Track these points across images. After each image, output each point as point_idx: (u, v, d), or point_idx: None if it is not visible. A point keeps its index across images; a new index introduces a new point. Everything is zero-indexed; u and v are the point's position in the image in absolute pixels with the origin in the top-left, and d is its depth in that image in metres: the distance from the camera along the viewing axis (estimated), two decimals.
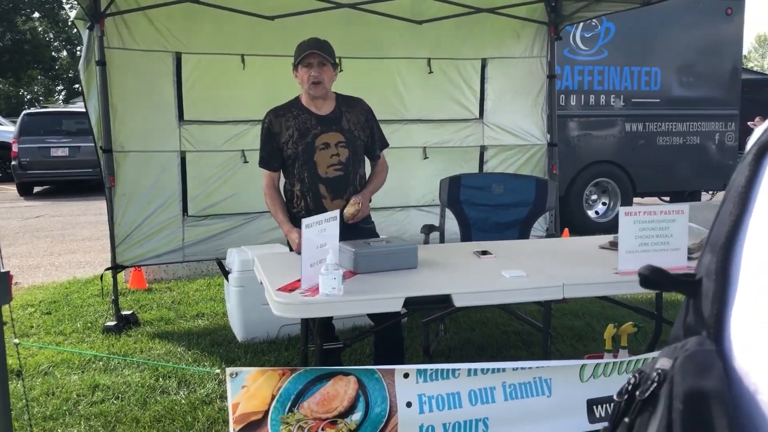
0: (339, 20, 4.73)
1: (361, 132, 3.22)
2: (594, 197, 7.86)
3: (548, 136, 5.37)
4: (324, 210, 3.01)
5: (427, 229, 3.84)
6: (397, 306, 2.29)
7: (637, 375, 0.61)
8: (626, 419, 0.60)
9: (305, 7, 4.66)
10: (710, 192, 8.82)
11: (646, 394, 0.57)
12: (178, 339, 4.11)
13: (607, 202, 7.88)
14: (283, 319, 3.70)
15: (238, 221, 4.85)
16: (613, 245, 2.92)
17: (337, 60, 3.20)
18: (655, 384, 0.57)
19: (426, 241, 3.77)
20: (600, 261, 2.76)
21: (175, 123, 4.69)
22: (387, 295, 2.29)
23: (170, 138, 4.67)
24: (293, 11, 4.68)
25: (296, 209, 3.11)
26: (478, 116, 5.34)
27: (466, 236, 4.01)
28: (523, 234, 3.99)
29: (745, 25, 7.88)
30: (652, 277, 0.64)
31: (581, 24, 7.11)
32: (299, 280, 2.35)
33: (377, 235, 3.26)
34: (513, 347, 3.90)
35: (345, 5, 4.74)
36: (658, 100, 7.65)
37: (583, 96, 7.38)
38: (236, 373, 1.89)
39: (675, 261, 2.63)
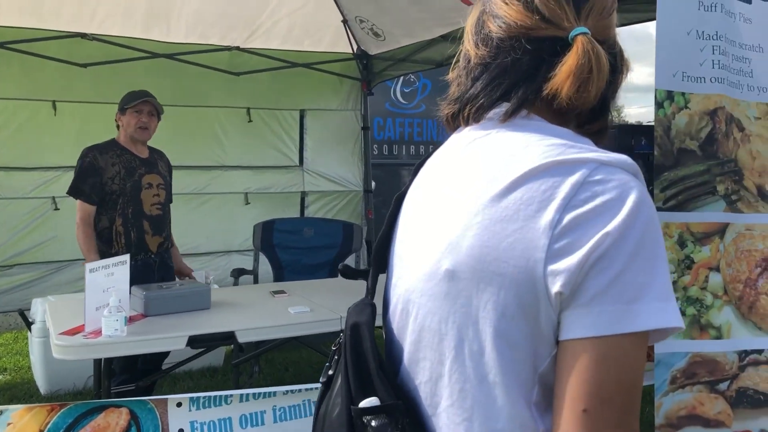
0: (155, 69, 4.82)
1: (169, 179, 3.42)
2: None
3: (364, 183, 5.74)
4: (145, 246, 3.21)
5: (237, 272, 3.99)
6: (181, 344, 2.41)
7: (342, 331, 0.94)
8: (336, 357, 0.94)
9: (120, 56, 4.71)
10: None
11: (339, 343, 0.93)
12: None
13: None
14: (90, 369, 3.64)
15: (47, 270, 4.69)
16: None
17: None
18: (341, 335, 0.92)
19: (236, 284, 3.91)
20: (381, 294, 3.04)
21: None
22: (170, 335, 2.41)
23: None
24: (107, 60, 4.71)
25: (115, 249, 3.16)
26: (298, 163, 5.60)
27: (278, 278, 4.20)
28: (333, 274, 4.25)
29: None
30: (346, 271, 1.07)
31: (401, 80, 7.68)
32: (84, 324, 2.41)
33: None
34: None
35: (161, 55, 4.85)
36: None
37: (404, 146, 7.91)
38: (1, 412, 1.91)
39: None
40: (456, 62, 0.92)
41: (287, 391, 2.26)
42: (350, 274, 1.07)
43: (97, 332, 2.36)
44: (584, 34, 0.78)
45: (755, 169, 1.84)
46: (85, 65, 4.67)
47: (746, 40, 1.75)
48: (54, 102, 4.71)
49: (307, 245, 4.27)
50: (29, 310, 4.19)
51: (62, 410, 1.95)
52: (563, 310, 0.69)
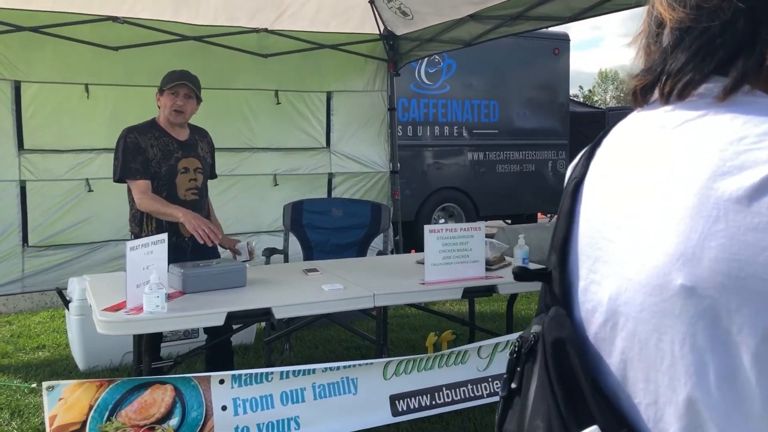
0: (184, 52, 4.87)
1: (209, 159, 3.43)
2: (442, 221, 8.39)
3: (390, 164, 5.76)
4: (178, 230, 3.15)
5: (269, 252, 4.04)
6: (219, 320, 2.47)
7: (519, 339, 0.86)
8: (518, 369, 0.84)
9: (150, 38, 4.77)
10: (548, 215, 9.66)
11: (528, 349, 0.83)
12: (14, 372, 4.01)
13: None
14: (126, 346, 3.76)
15: (82, 251, 4.80)
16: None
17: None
18: (533, 341, 0.82)
19: (267, 263, 3.97)
20: (413, 274, 3.08)
21: (13, 152, 4.61)
22: (210, 311, 2.47)
23: (8, 167, 4.58)
24: (137, 42, 4.77)
25: (146, 232, 3.18)
26: (325, 145, 5.64)
27: (308, 257, 4.25)
28: (361, 253, 4.29)
29: (571, 63, 8.81)
30: (521, 273, 0.95)
31: (425, 61, 7.66)
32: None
33: (218, 256, 3.44)
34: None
35: (190, 38, 4.90)
36: (497, 131, 8.35)
37: (428, 127, 7.91)
38: (53, 387, 1.99)
39: (474, 272, 3.00)
40: (641, 29, 0.79)
41: (326, 369, 2.31)
42: (526, 276, 0.95)
43: (139, 308, 2.42)
44: None
45: None
46: (116, 48, 4.73)
47: None
48: (86, 85, 4.79)
49: (336, 225, 4.31)
50: (65, 289, 4.29)
51: (111, 386, 2.02)
52: None
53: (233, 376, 2.19)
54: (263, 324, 3.87)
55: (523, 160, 8.55)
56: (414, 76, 7.68)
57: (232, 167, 5.26)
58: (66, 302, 4.09)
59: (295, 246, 4.32)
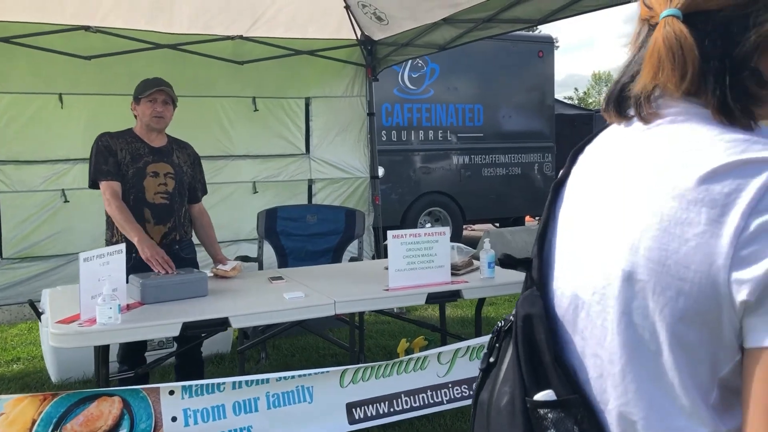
0: (159, 60, 4.85)
1: (189, 170, 3.39)
2: (428, 225, 8.37)
3: (370, 169, 5.74)
4: (146, 233, 3.10)
5: (241, 260, 4.01)
6: (175, 331, 2.44)
7: (503, 320, 0.97)
8: (497, 344, 0.95)
9: (123, 47, 4.75)
10: (536, 218, 9.62)
11: (507, 326, 0.95)
12: None
13: None
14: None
15: (58, 262, 4.77)
16: None
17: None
18: (511, 321, 0.93)
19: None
20: (379, 280, 3.04)
21: None
22: (165, 322, 2.43)
23: None
24: (111, 51, 4.75)
25: (116, 237, 3.16)
26: (304, 151, 5.61)
27: (282, 265, 4.22)
28: (336, 260, 4.27)
29: (565, 65, 8.82)
30: (506, 260, 1.13)
31: (408, 65, 7.65)
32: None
33: (197, 265, 3.42)
34: None
35: (165, 46, 4.88)
36: (482, 135, 8.33)
37: (413, 131, 7.90)
38: None
39: (439, 277, 2.97)
40: (636, 31, 0.87)
41: (280, 378, 2.28)
42: (510, 263, 1.11)
43: (92, 320, 2.40)
44: (670, 16, 0.75)
45: None
46: (89, 57, 4.71)
47: None
48: (60, 95, 4.76)
49: (310, 232, 4.28)
50: (39, 301, 4.26)
51: (54, 400, 1.99)
52: (746, 316, 0.67)
53: (183, 386, 2.16)
54: (238, 332, 3.84)
55: (509, 163, 8.53)
56: (397, 81, 7.67)
57: (211, 176, 5.19)
58: (38, 314, 4.03)
59: (270, 253, 4.29)
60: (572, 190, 0.90)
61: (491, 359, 0.95)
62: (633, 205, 0.76)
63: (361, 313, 4.13)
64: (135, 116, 3.28)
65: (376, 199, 5.70)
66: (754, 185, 0.67)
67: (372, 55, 5.55)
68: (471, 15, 4.32)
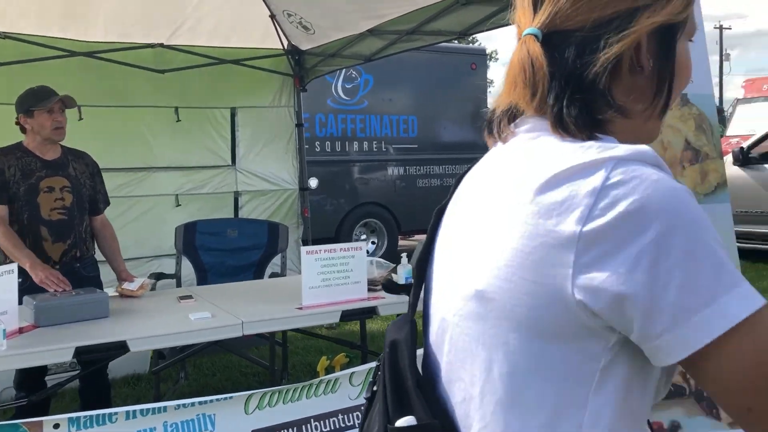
0: (74, 69, 4.64)
1: (87, 181, 3.23)
2: (363, 237, 8.30)
3: (299, 181, 5.64)
4: (44, 252, 2.99)
5: (156, 276, 3.86)
6: (67, 356, 2.30)
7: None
8: (380, 372, 0.91)
9: (35, 54, 4.53)
10: None
11: (382, 359, 0.90)
12: None
13: (375, 241, 8.36)
14: (5, 381, 3.51)
15: None
16: None
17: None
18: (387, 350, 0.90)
19: (153, 289, 3.77)
20: (294, 298, 2.93)
21: None
22: (56, 346, 2.29)
23: None
24: (22, 59, 4.52)
25: (8, 261, 2.99)
26: (230, 163, 5.47)
27: (202, 281, 4.08)
28: (258, 275, 4.15)
29: (488, 78, 8.89)
30: (388, 285, 1.50)
31: (342, 76, 7.60)
32: None
33: (100, 284, 3.26)
34: (251, 388, 3.98)
35: (80, 54, 4.68)
36: (416, 146, 8.34)
37: (347, 142, 7.83)
38: None
39: (356, 293, 2.89)
40: None
41: (179, 406, 2.16)
42: (392, 288, 1.18)
43: None
44: (529, 35, 0.76)
45: (666, 159, 1.80)
46: None
47: None
48: None
49: (231, 246, 4.16)
50: None
51: None
52: (645, 337, 0.65)
53: (70, 419, 2.02)
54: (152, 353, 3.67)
55: (443, 174, 8.54)
56: (331, 92, 7.60)
57: (130, 188, 5.03)
58: None
59: (189, 270, 4.14)
60: (450, 213, 0.90)
61: (375, 388, 0.92)
62: (493, 224, 0.76)
63: (285, 330, 4.01)
64: (27, 129, 3.10)
65: (306, 212, 5.60)
66: (586, 190, 0.66)
67: (300, 65, 5.46)
68: (395, 27, 4.29)
